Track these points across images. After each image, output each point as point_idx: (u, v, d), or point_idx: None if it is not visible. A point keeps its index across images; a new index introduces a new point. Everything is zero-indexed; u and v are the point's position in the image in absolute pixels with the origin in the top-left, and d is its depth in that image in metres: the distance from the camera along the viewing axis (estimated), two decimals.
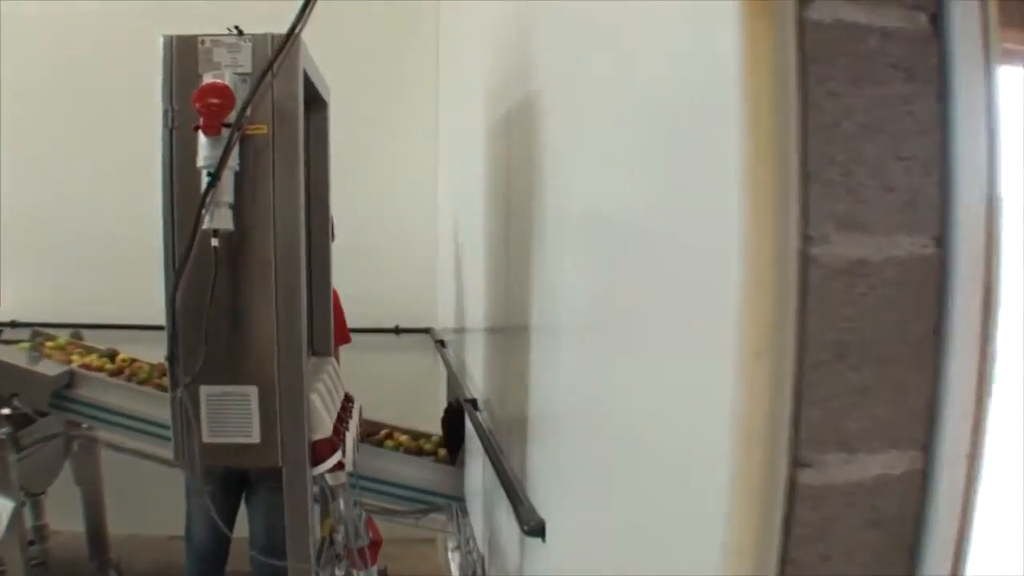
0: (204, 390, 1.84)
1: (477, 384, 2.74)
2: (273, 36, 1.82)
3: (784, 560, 0.87)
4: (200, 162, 1.74)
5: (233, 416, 1.85)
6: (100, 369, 3.33)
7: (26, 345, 3.30)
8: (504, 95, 2.23)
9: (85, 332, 3.75)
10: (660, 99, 1.10)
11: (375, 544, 2.39)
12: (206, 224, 1.72)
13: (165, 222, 1.82)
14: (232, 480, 2.81)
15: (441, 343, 3.76)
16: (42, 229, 4.00)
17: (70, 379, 3.10)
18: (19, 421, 3.06)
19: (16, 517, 2.98)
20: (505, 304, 2.24)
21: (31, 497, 3.34)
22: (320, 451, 1.96)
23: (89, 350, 3.58)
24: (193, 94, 1.73)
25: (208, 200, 1.71)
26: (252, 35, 1.82)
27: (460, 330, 3.18)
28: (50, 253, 4.04)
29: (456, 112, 3.57)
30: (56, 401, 3.05)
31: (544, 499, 1.81)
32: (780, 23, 0.85)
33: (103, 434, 3.17)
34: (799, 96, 0.85)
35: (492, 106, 2.41)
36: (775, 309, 0.86)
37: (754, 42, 0.86)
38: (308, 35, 4.55)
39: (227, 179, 1.73)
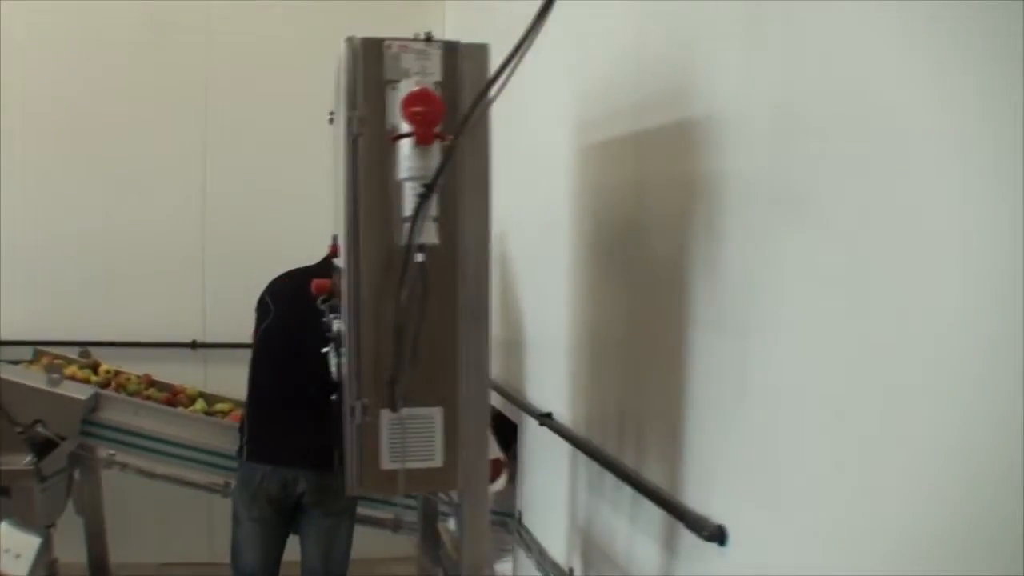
0: (385, 413, 1.61)
1: (549, 397, 2.58)
2: (462, 44, 1.63)
3: None
4: (403, 173, 1.53)
5: (416, 440, 1.63)
6: (86, 381, 2.93)
7: (40, 366, 2.85)
8: (622, 118, 2.11)
9: (56, 349, 3.29)
10: None
11: None
12: (418, 239, 1.50)
13: (349, 235, 1.58)
14: (286, 505, 2.51)
15: None
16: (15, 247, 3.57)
17: (96, 402, 2.69)
18: (40, 450, 2.62)
19: (42, 554, 2.55)
20: (627, 318, 2.12)
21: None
22: (491, 472, 1.77)
23: (69, 361, 3.14)
24: (402, 101, 1.51)
25: (421, 213, 1.49)
26: (442, 41, 1.62)
27: (511, 346, 2.99)
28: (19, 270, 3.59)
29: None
30: (84, 427, 2.63)
31: (714, 504, 1.69)
32: None
33: (131, 459, 2.75)
34: None
35: (594, 129, 2.29)
36: None
37: None
38: (300, 35, 4.20)
39: None
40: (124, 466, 2.72)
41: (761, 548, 1.54)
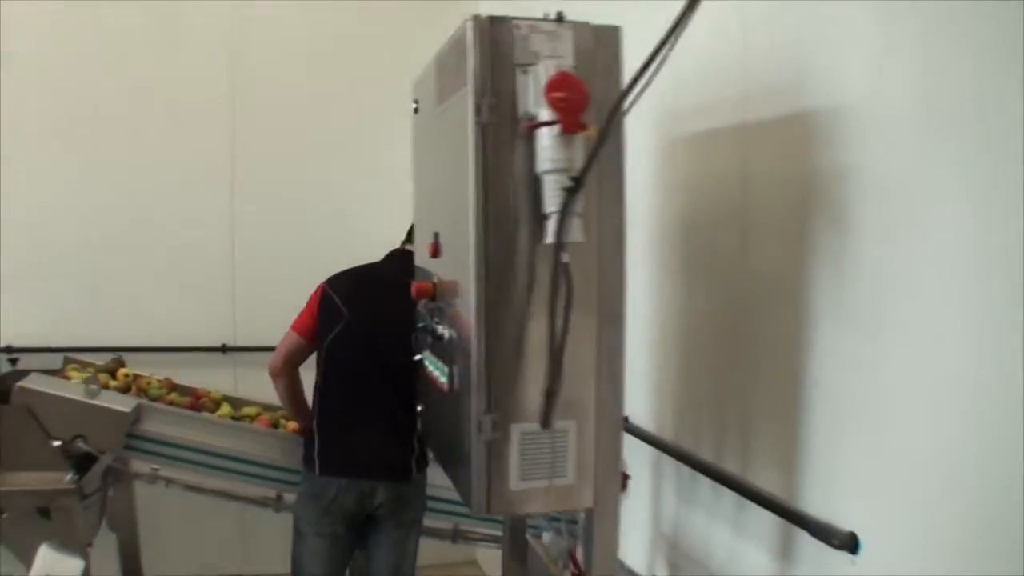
0: (517, 428, 1.44)
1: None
2: (593, 26, 1.47)
3: None
4: (545, 165, 1.37)
5: (547, 456, 1.47)
6: (105, 387, 2.69)
7: (80, 375, 2.62)
8: (720, 110, 1.98)
9: (84, 356, 3.07)
10: None
11: None
12: (567, 237, 1.34)
13: (478, 232, 1.40)
14: (359, 519, 2.33)
15: None
16: (40, 250, 3.42)
17: (138, 413, 2.47)
18: (80, 466, 2.40)
19: None
20: (726, 316, 1.99)
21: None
22: None
23: (84, 365, 2.92)
24: (545, 86, 1.35)
25: (569, 209, 1.33)
26: (573, 22, 1.45)
27: None
28: (45, 275, 3.41)
29: None
30: (127, 440, 2.41)
31: (840, 510, 1.59)
32: None
33: (177, 474, 2.53)
34: None
35: (683, 122, 2.15)
36: None
37: None
38: (329, 35, 4.00)
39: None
40: (169, 481, 2.50)
41: (897, 555, 1.45)
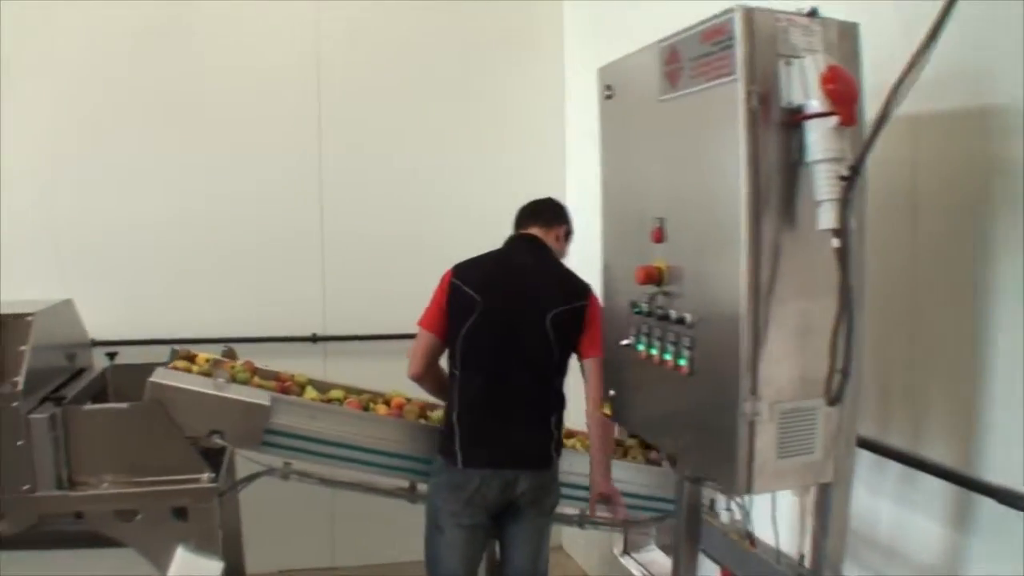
0: (777, 408, 1.53)
1: None
2: (837, 21, 1.56)
3: None
4: (817, 155, 1.46)
5: (801, 433, 1.57)
6: (187, 372, 2.66)
7: (193, 365, 2.59)
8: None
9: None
10: None
11: None
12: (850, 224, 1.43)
13: (750, 219, 1.49)
14: (501, 508, 2.38)
15: None
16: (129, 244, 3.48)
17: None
18: (213, 463, 2.39)
19: None
20: (889, 291, 2.08)
21: None
22: None
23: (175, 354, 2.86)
24: (820, 78, 1.43)
25: (850, 197, 1.42)
26: (823, 19, 1.54)
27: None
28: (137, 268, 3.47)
29: None
30: (267, 436, 2.41)
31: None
32: None
33: (312, 468, 2.53)
34: None
35: None
36: None
37: None
38: (417, 25, 4.02)
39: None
40: (303, 475, 2.50)
41: None
